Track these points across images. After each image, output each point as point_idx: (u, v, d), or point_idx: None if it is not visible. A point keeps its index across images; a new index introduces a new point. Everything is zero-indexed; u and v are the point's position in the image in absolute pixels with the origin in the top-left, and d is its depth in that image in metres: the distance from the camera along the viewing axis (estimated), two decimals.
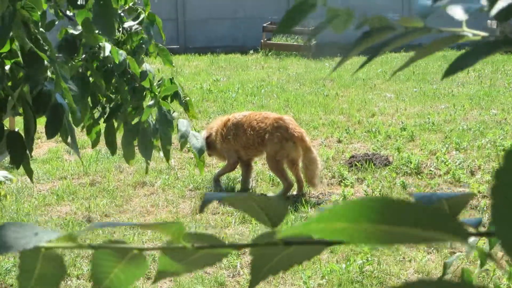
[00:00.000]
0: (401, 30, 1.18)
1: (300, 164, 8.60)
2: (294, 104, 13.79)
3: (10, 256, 6.87)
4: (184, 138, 4.12)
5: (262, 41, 21.95)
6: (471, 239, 2.44)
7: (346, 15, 1.29)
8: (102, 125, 4.16)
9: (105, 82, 3.99)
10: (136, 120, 4.07)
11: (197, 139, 4.19)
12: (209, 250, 1.00)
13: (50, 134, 3.30)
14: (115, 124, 4.19)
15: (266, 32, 22.13)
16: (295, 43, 22.11)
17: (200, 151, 4.23)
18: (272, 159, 8.56)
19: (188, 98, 4.32)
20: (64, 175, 9.53)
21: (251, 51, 22.00)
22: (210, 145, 9.01)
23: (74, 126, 3.50)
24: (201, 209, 1.02)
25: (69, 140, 3.36)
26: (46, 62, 3.22)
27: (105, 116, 4.10)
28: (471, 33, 1.12)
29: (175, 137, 4.23)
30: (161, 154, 4.22)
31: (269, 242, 0.99)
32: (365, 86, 15.67)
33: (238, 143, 8.76)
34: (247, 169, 8.91)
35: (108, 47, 3.86)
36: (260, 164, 9.64)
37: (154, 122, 4.01)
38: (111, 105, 4.09)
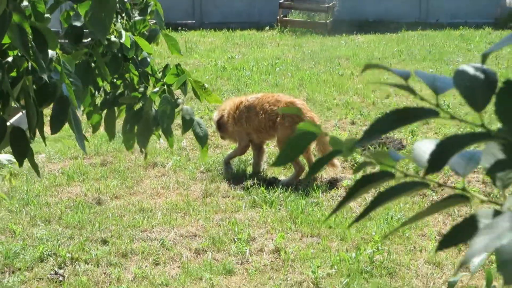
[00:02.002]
0: (400, 178, 1.17)
1: (313, 148, 8.54)
2: (308, 83, 13.67)
3: (18, 239, 6.86)
4: (187, 127, 4.05)
5: (278, 17, 21.80)
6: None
7: (348, 147, 1.27)
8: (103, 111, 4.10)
9: (111, 68, 3.92)
10: (138, 106, 4.01)
11: (201, 128, 4.11)
12: None
13: (55, 128, 3.23)
14: (117, 110, 4.13)
15: (283, 8, 21.97)
16: (311, 20, 21.94)
17: (203, 140, 4.15)
18: (283, 143, 8.49)
19: (207, 86, 4.23)
20: (75, 155, 9.50)
21: (267, 28, 21.86)
22: (221, 126, 8.96)
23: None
24: None
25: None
26: (51, 54, 3.16)
27: (107, 102, 4.04)
28: (475, 196, 1.11)
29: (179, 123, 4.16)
30: (161, 141, 4.17)
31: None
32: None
33: (250, 126, 8.69)
34: (259, 152, 8.84)
35: (123, 33, 3.80)
36: (272, 147, 9.57)
37: (156, 109, 3.95)
38: (114, 91, 4.03)
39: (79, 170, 8.84)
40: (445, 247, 1.08)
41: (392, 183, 1.21)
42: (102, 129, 4.10)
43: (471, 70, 1.22)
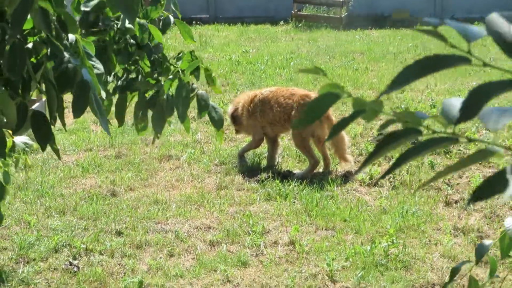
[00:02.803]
0: (428, 135, 1.12)
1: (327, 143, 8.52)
2: (323, 78, 13.62)
3: (33, 229, 6.87)
4: (203, 110, 4.05)
5: (292, 12, 21.76)
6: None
7: (373, 109, 1.22)
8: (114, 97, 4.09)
9: (124, 55, 3.92)
10: (150, 92, 4.01)
11: (216, 112, 4.11)
12: None
13: (77, 112, 3.22)
14: (129, 96, 4.13)
15: (297, 3, 21.93)
16: (326, 14, 21.89)
17: (218, 124, 4.14)
18: (297, 137, 8.47)
19: (213, 75, 4.22)
20: (90, 147, 9.52)
21: (282, 22, 21.83)
22: (236, 120, 8.95)
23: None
24: None
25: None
26: (71, 38, 3.16)
27: (120, 88, 4.04)
28: (502, 149, 1.06)
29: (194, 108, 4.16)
30: (172, 126, 4.18)
31: None
32: (395, 61, 15.50)
33: (265, 119, 8.67)
34: (273, 145, 8.82)
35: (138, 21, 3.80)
36: (286, 140, 9.55)
37: (170, 95, 3.94)
38: (127, 77, 4.02)
39: (93, 162, 8.84)
40: (478, 200, 1.04)
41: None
42: (115, 121, 4.11)
43: (502, 19, 1.18)
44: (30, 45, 3.21)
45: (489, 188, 1.04)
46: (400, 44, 17.58)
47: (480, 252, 2.69)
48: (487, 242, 2.70)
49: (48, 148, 3.27)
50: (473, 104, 1.09)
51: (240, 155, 8.89)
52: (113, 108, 4.04)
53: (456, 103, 1.18)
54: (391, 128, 1.29)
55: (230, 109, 9.11)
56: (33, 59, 3.21)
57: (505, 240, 2.69)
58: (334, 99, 1.26)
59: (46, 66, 3.14)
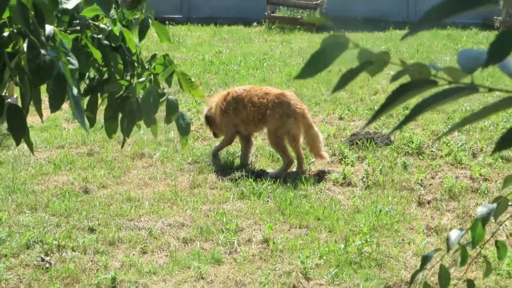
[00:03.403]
0: (444, 85, 1.08)
1: (302, 141, 8.52)
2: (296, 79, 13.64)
3: (4, 225, 6.80)
4: (171, 116, 4.01)
5: (266, 13, 21.77)
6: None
7: (380, 60, 1.18)
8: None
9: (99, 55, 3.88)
10: (120, 93, 3.96)
11: (184, 119, 4.07)
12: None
13: (54, 106, 3.18)
14: (100, 98, 4.09)
15: (271, 4, 21.94)
16: (299, 16, 21.92)
17: (185, 131, 4.10)
18: (273, 135, 8.46)
19: (194, 80, 4.18)
20: (62, 144, 9.45)
21: (255, 24, 21.84)
22: (210, 121, 8.93)
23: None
24: None
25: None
26: (49, 31, 3.12)
27: (90, 89, 3.99)
28: None
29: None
30: (141, 131, 4.16)
31: None
32: None
33: (238, 117, 8.65)
34: (247, 144, 8.81)
35: (114, 21, 3.75)
36: (260, 140, 9.55)
37: (140, 98, 3.91)
38: (100, 78, 3.98)
39: (66, 159, 8.78)
40: (503, 148, 1.02)
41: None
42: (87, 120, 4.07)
43: None
44: (5, 34, 3.17)
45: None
46: (373, 47, 17.62)
47: (452, 239, 2.70)
48: (458, 230, 2.72)
49: (20, 145, 3.23)
50: (503, 45, 1.06)
51: (213, 153, 8.87)
52: None
53: (472, 53, 1.15)
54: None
55: (204, 110, 9.08)
56: (9, 49, 3.17)
57: (477, 229, 2.71)
58: (339, 50, 1.22)
59: (22, 57, 3.10)
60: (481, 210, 2.72)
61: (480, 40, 18.71)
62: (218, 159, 8.82)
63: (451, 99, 1.09)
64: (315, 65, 1.20)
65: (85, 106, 4.08)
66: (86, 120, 3.96)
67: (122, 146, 4.48)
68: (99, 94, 4.07)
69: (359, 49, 1.18)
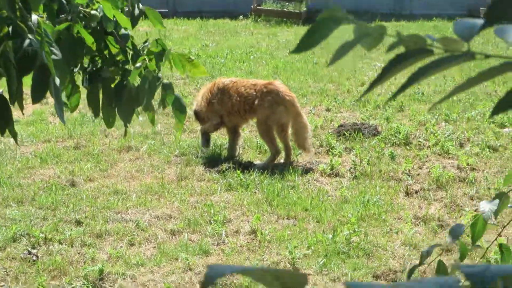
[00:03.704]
0: (440, 54, 1.05)
1: (290, 130, 8.50)
2: (283, 71, 13.65)
3: None
4: (168, 99, 3.99)
5: (252, 6, 21.73)
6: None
7: (376, 33, 1.15)
8: (82, 90, 4.00)
9: (93, 43, 3.85)
10: (116, 81, 3.94)
11: (180, 102, 4.06)
12: None
13: (36, 97, 3.15)
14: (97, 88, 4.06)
15: None
16: (285, 9, 21.89)
17: (181, 115, 4.09)
18: (262, 124, 8.43)
19: (193, 58, 4.16)
20: (48, 138, 9.39)
21: (241, 17, 21.79)
22: (199, 115, 8.89)
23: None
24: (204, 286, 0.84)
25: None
26: (35, 19, 3.09)
27: (87, 78, 3.96)
28: None
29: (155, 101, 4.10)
30: (140, 118, 4.14)
31: None
32: (355, 55, 15.53)
33: (223, 108, 8.62)
34: (234, 135, 8.77)
35: (103, 5, 3.72)
36: (247, 132, 9.52)
37: (136, 85, 3.88)
38: (93, 67, 3.95)
39: (52, 153, 8.73)
40: (501, 111, 1.00)
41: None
42: (74, 112, 4.04)
43: None
44: None
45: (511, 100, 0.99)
46: None
47: (455, 233, 2.66)
48: (461, 224, 2.68)
49: (5, 139, 3.20)
50: (499, 8, 1.03)
51: (202, 133, 8.86)
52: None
53: (468, 23, 1.12)
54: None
55: (194, 105, 9.05)
56: None
57: (477, 225, 2.68)
58: (335, 23, 1.19)
59: (7, 45, 3.07)
60: (483, 206, 2.69)
61: None
62: (206, 140, 8.79)
63: (447, 67, 1.07)
64: (310, 39, 1.18)
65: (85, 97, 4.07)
66: (71, 114, 3.93)
67: (125, 135, 4.45)
68: (99, 84, 4.04)
69: (355, 23, 1.15)
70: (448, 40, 1.05)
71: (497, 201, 2.68)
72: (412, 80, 1.08)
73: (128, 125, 4.00)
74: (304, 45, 1.20)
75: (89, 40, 3.69)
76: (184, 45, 16.74)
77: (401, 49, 1.13)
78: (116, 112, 3.98)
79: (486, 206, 2.69)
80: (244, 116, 8.59)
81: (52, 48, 3.20)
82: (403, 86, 1.07)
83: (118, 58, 3.97)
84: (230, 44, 17.02)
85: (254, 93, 8.43)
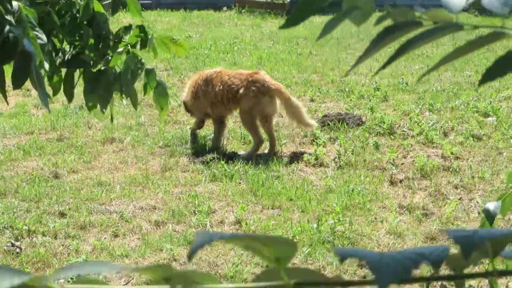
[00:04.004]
0: (429, 26, 1.04)
1: (285, 115, 8.57)
2: (267, 62, 13.63)
3: None
4: (150, 85, 3.98)
5: None
6: None
7: (366, 7, 1.13)
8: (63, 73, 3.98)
9: (69, 29, 3.83)
10: (99, 67, 3.92)
11: (163, 87, 4.05)
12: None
13: (17, 83, 3.12)
14: (77, 72, 4.04)
15: None
16: (269, 0, 21.84)
17: (164, 101, 4.07)
18: (246, 114, 8.40)
19: (178, 38, 4.14)
20: (31, 130, 9.34)
21: (225, 8, 21.73)
22: (186, 106, 8.89)
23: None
24: (190, 258, 0.83)
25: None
26: (15, 6, 3.06)
27: (65, 63, 3.94)
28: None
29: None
30: (124, 102, 4.12)
31: (276, 285, 0.86)
32: (339, 46, 15.53)
33: (207, 100, 8.59)
34: (219, 126, 8.73)
35: None
36: (231, 122, 9.49)
37: (118, 70, 3.86)
38: (73, 52, 3.93)
39: (35, 145, 8.68)
40: (489, 79, 0.99)
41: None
42: (57, 104, 4.02)
43: None
44: None
45: (499, 68, 0.98)
46: (343, 29, 17.60)
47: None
48: (493, 203, 2.65)
49: None
50: None
51: (191, 132, 8.87)
52: None
53: None
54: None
55: (183, 96, 9.05)
56: None
57: (484, 226, 2.66)
58: None
59: None
60: (488, 207, 2.67)
61: None
62: (195, 140, 8.79)
63: (436, 37, 1.05)
64: (299, 14, 1.16)
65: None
66: (54, 105, 3.89)
67: (112, 121, 4.43)
68: (74, 69, 4.02)
69: None
70: (437, 12, 1.03)
71: (500, 202, 2.66)
72: (401, 50, 1.06)
73: (105, 109, 3.98)
74: (293, 20, 1.18)
75: (59, 26, 3.68)
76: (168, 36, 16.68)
77: (389, 23, 1.12)
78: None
79: (491, 206, 2.66)
80: (228, 105, 8.55)
81: (37, 33, 3.18)
82: (392, 57, 1.06)
83: (99, 44, 3.95)
84: (214, 35, 16.98)
85: (239, 82, 8.41)
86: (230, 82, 8.45)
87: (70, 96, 4.04)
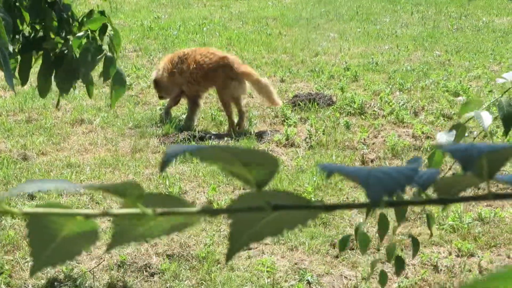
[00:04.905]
0: None
1: (255, 93, 8.60)
2: (236, 42, 13.57)
3: None
4: (108, 75, 3.91)
5: None
6: None
7: None
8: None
9: (32, 12, 3.76)
10: (58, 51, 3.86)
11: (122, 76, 3.99)
12: (173, 216, 0.80)
13: None
14: (34, 56, 3.97)
15: None
16: None
17: (120, 87, 4.01)
18: (220, 94, 8.49)
19: (112, 32, 4.07)
20: None
21: None
22: (158, 84, 8.83)
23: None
24: (162, 168, 0.79)
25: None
26: None
27: (22, 46, 3.87)
28: None
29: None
30: (75, 92, 4.06)
31: (253, 207, 0.80)
32: (308, 26, 15.49)
33: (182, 77, 8.57)
34: (192, 106, 8.68)
35: None
36: (202, 103, 9.43)
37: (77, 55, 3.80)
38: (35, 35, 3.86)
39: (3, 127, 8.57)
40: None
41: None
42: (26, 86, 3.95)
43: None
44: None
45: None
46: (313, 10, 17.58)
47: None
48: (418, 157, 2.64)
49: None
50: None
51: (165, 112, 8.83)
52: None
53: None
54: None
55: (153, 74, 9.00)
56: None
57: (434, 157, 2.65)
58: None
59: None
60: (439, 137, 2.65)
61: (419, 1, 18.76)
62: (169, 117, 8.76)
63: None
64: None
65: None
66: (17, 81, 3.83)
67: (57, 106, 4.36)
68: (33, 52, 3.95)
69: None
70: None
71: (453, 132, 2.66)
72: None
73: (66, 94, 3.92)
74: None
75: (26, 15, 3.62)
76: (136, 17, 16.56)
77: None
78: (53, 82, 3.90)
79: (443, 137, 2.66)
80: (201, 83, 8.55)
81: (1, 13, 3.11)
82: None
83: (58, 28, 3.89)
84: (183, 16, 16.87)
85: (209, 62, 8.41)
86: (202, 62, 8.44)
87: (25, 80, 3.97)
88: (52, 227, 0.80)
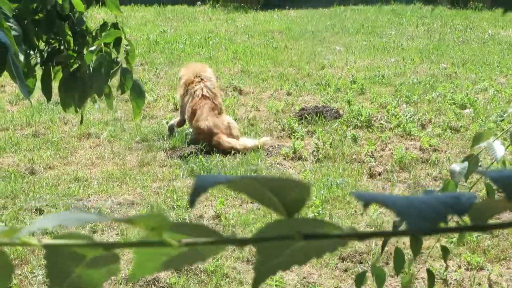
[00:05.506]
0: None
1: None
2: (242, 56, 13.58)
3: None
4: (126, 84, 3.91)
5: None
6: None
7: None
8: (38, 73, 3.91)
9: (44, 26, 3.76)
10: (75, 66, 3.86)
11: (139, 87, 3.98)
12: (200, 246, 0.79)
13: None
14: (53, 71, 3.96)
15: None
16: None
17: (140, 101, 4.01)
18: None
19: (128, 47, 4.07)
20: (6, 126, 9.23)
21: (199, 3, 21.66)
22: None
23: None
24: (192, 204, 0.76)
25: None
26: None
27: (41, 61, 3.87)
28: None
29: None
30: (96, 106, 4.07)
31: (283, 236, 0.79)
32: (314, 39, 15.51)
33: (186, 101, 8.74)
34: None
35: None
36: None
37: (91, 69, 3.80)
38: (49, 50, 3.86)
39: (10, 141, 8.58)
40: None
41: None
42: (33, 100, 3.96)
43: None
44: None
45: None
46: (319, 23, 17.61)
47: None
48: (432, 190, 2.64)
49: None
50: None
51: (169, 128, 8.86)
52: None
53: None
54: None
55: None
56: None
57: (448, 188, 2.65)
58: None
59: None
60: (453, 168, 2.66)
61: (424, 14, 18.80)
62: (174, 133, 8.84)
63: None
64: None
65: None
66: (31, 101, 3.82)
67: (81, 122, 4.37)
68: (51, 67, 3.95)
69: None
70: None
71: (466, 163, 2.66)
72: None
73: (79, 109, 3.92)
74: None
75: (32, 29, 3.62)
76: (142, 31, 16.60)
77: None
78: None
79: (456, 168, 2.66)
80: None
81: (11, 24, 3.11)
82: None
83: (75, 41, 3.89)
84: (189, 29, 16.91)
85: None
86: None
87: (49, 95, 3.97)
88: (72, 258, 0.79)
